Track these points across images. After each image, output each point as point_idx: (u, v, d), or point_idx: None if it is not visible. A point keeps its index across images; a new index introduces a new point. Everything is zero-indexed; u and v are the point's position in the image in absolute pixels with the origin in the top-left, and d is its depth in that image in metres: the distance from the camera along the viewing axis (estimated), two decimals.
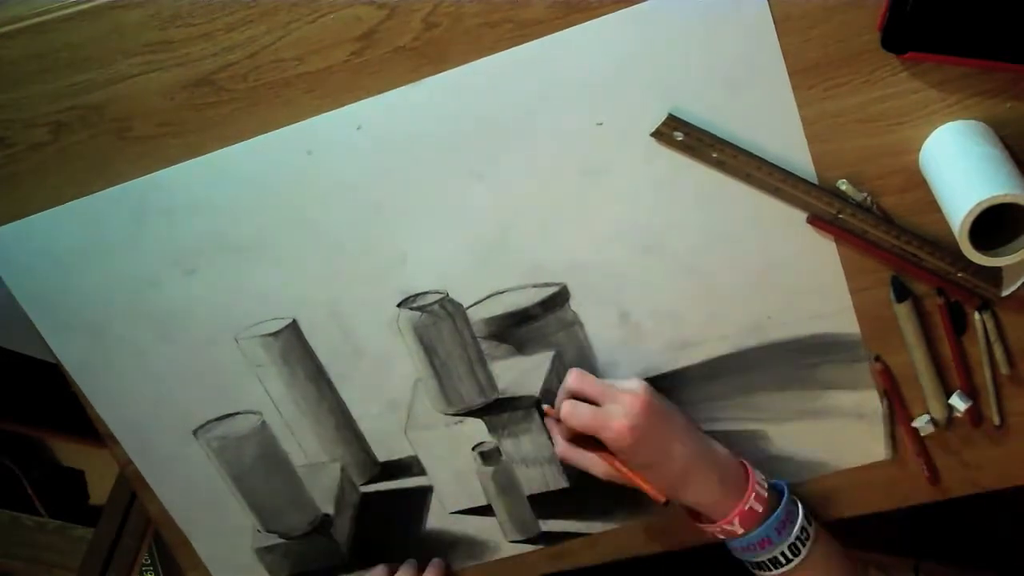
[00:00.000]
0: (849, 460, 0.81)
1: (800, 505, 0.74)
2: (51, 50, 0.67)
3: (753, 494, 0.71)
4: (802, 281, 0.74)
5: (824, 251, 0.72)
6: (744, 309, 0.75)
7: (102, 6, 0.66)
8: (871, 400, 0.78)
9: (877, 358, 0.76)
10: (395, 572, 0.86)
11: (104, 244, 0.74)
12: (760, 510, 0.71)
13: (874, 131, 0.68)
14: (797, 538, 0.71)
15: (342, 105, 0.69)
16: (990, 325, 0.73)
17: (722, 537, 0.73)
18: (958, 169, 0.65)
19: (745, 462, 0.74)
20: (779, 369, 0.77)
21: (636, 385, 0.71)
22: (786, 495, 0.73)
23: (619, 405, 0.70)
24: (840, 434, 0.79)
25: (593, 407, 0.71)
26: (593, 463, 0.73)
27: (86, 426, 0.82)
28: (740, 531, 0.71)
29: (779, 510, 0.71)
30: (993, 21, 0.61)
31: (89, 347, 0.78)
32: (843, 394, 0.78)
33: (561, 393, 0.75)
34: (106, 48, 0.67)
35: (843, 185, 0.68)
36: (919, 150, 0.68)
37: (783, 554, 0.71)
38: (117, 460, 0.83)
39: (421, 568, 0.86)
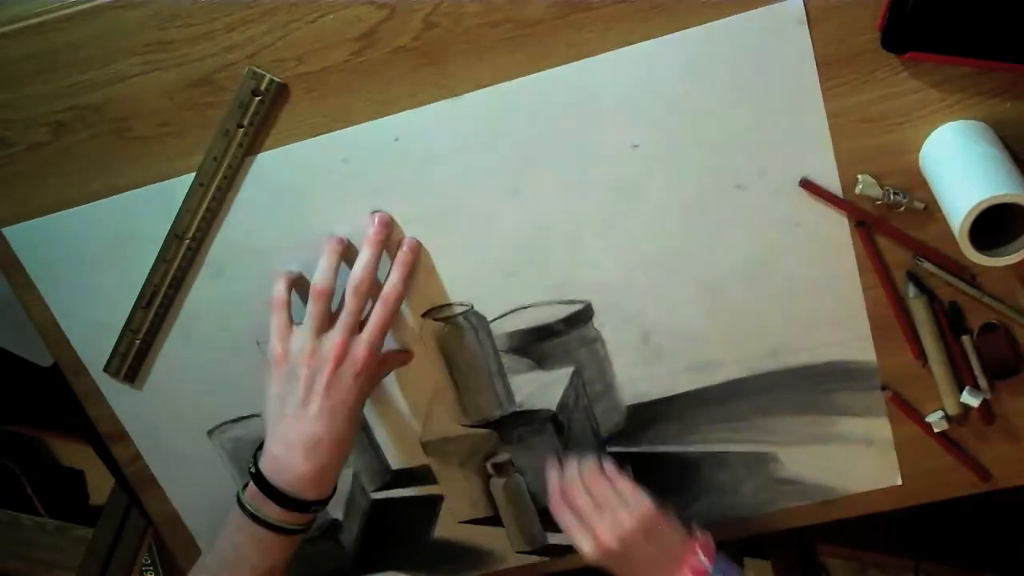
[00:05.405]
0: (857, 486, 0.82)
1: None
2: (51, 50, 0.67)
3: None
4: (821, 308, 0.74)
5: (845, 279, 0.73)
6: (763, 334, 0.76)
7: (102, 6, 0.66)
8: (882, 427, 0.79)
9: (886, 388, 0.77)
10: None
11: (132, 243, 0.74)
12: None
13: (874, 131, 0.68)
14: None
15: (342, 106, 0.69)
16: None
17: None
18: (958, 169, 0.65)
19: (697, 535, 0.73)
20: (794, 394, 0.78)
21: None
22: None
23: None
24: (849, 460, 0.80)
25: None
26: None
27: (86, 426, 0.82)
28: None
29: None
30: (993, 21, 0.61)
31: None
32: (855, 421, 0.79)
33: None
34: (106, 48, 0.67)
35: (860, 181, 0.68)
36: (919, 150, 0.68)
37: None
38: (119, 460, 0.83)
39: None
